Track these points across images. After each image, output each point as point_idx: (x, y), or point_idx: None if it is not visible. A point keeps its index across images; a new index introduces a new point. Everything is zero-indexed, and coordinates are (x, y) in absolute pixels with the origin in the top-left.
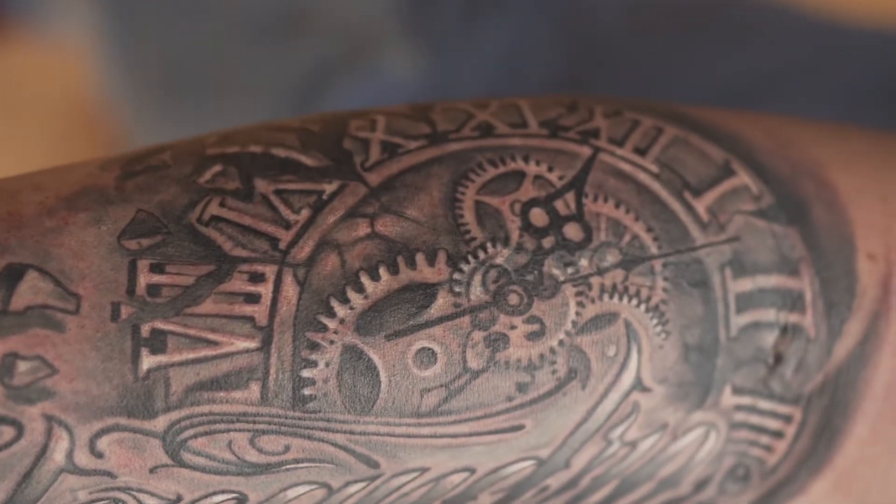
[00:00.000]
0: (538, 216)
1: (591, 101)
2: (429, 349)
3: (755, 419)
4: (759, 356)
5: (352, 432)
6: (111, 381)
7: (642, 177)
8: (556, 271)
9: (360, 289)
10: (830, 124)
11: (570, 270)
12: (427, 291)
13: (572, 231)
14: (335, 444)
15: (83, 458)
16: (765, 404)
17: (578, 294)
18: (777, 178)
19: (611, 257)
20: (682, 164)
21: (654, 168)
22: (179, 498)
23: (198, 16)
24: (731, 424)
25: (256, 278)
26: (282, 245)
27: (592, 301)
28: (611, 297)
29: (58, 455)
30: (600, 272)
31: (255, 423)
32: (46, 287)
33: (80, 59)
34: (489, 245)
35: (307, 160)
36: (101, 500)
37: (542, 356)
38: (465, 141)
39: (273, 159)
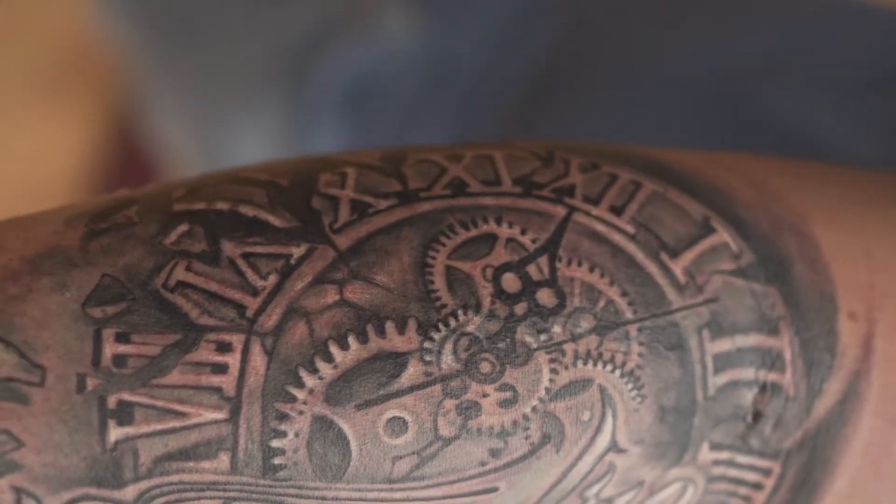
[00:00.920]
0: (510, 282)
1: (567, 153)
2: (400, 418)
3: (733, 472)
4: (738, 413)
5: (323, 498)
6: (79, 453)
7: (617, 238)
8: (528, 338)
9: (328, 358)
10: (812, 167)
11: (543, 337)
12: (397, 361)
13: (545, 297)
14: None
15: None
16: (743, 459)
17: (552, 361)
18: (758, 235)
19: (585, 323)
20: (660, 223)
21: (629, 229)
22: None
23: None
24: (709, 478)
25: (224, 348)
26: (249, 313)
27: (566, 367)
28: (585, 363)
29: None
30: (574, 339)
31: (225, 490)
32: (10, 359)
33: None
34: (460, 312)
35: (275, 220)
36: None
37: (515, 422)
38: (436, 200)
39: (240, 218)
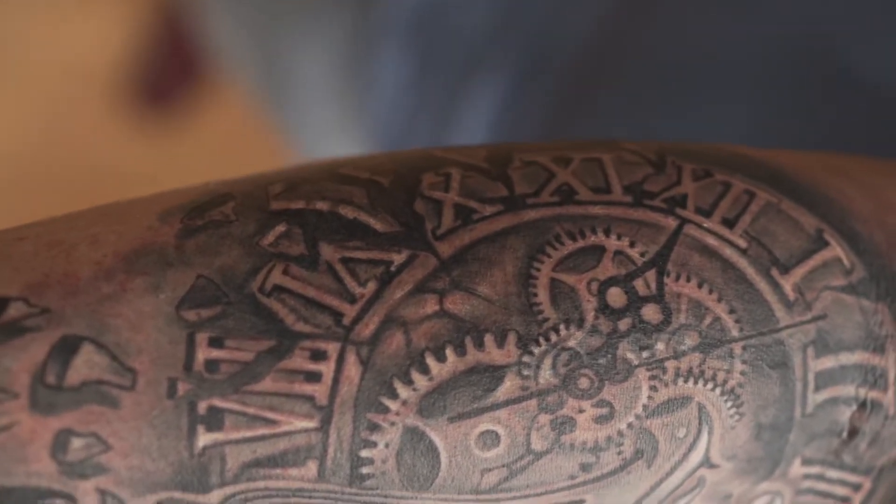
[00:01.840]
0: (616, 296)
1: (679, 158)
2: (493, 431)
3: (822, 486)
4: (834, 429)
5: None
6: (166, 458)
7: (728, 252)
8: (630, 355)
9: (424, 370)
10: None
11: (645, 354)
12: (494, 374)
13: (651, 313)
14: None
15: None
16: (834, 474)
17: (652, 378)
18: (871, 251)
19: (689, 341)
20: (772, 237)
21: (741, 243)
22: None
23: None
24: (797, 491)
25: (318, 356)
26: (346, 321)
27: (666, 385)
28: (686, 381)
29: None
30: (677, 356)
31: (311, 497)
32: (102, 361)
33: None
34: (562, 327)
35: (376, 223)
36: None
37: (609, 438)
38: (543, 208)
39: (340, 220)
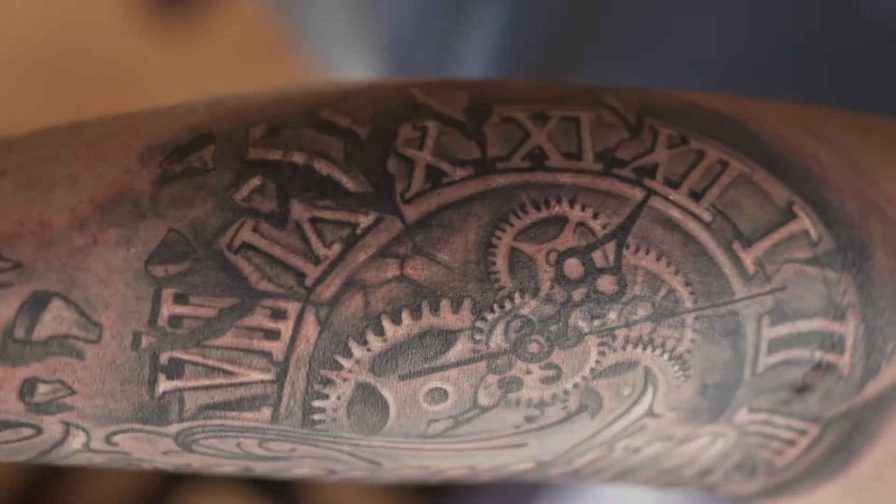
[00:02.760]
0: (573, 267)
1: (657, 121)
2: (441, 389)
3: (768, 429)
4: (785, 385)
5: (357, 445)
6: (128, 399)
7: (692, 226)
8: (581, 323)
9: (380, 332)
10: None
11: (596, 323)
12: (447, 338)
13: (606, 284)
14: (340, 451)
15: (98, 446)
16: (781, 420)
17: (601, 345)
18: (841, 222)
19: (642, 311)
20: (739, 210)
21: (706, 216)
22: (189, 466)
23: None
24: (742, 433)
25: (278, 315)
26: (308, 282)
27: (615, 350)
28: (635, 347)
29: (74, 445)
30: (628, 325)
31: (264, 434)
32: (70, 317)
33: None
34: (517, 295)
35: (347, 182)
36: (117, 462)
37: (554, 395)
38: (512, 174)
39: (313, 177)
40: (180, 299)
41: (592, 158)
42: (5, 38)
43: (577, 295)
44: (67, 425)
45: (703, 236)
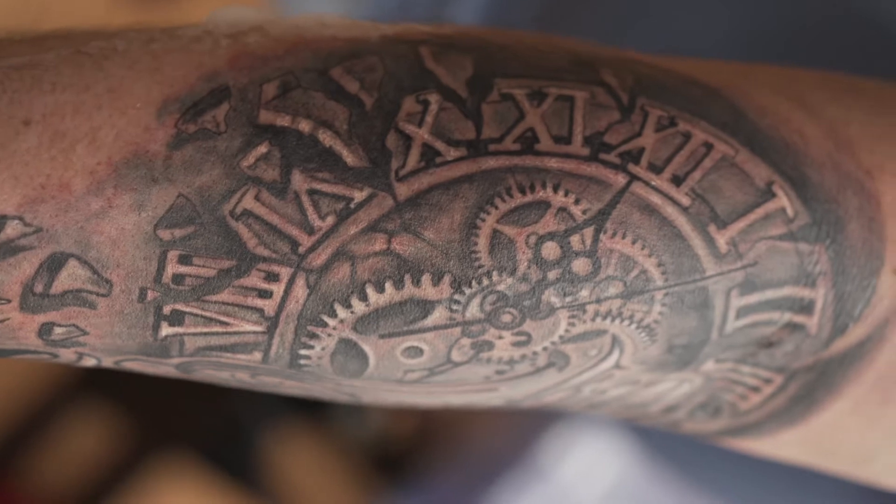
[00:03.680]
0: (551, 249)
1: (649, 101)
2: (417, 347)
3: (734, 376)
4: (752, 342)
5: (339, 384)
6: (134, 340)
7: (670, 210)
8: (554, 299)
9: (363, 298)
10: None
11: (568, 299)
12: (426, 306)
13: (580, 265)
14: (324, 387)
15: (108, 367)
16: (746, 369)
17: (572, 317)
18: (818, 197)
19: (613, 289)
20: (718, 193)
21: (685, 201)
22: (190, 378)
23: None
24: (708, 379)
25: (271, 277)
26: (301, 250)
27: (584, 322)
28: (604, 319)
29: (87, 364)
30: (598, 301)
31: (255, 370)
32: (84, 274)
33: None
34: (495, 273)
35: (347, 156)
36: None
37: (523, 356)
38: (502, 157)
39: (316, 147)
40: (184, 260)
41: (581, 142)
42: None
43: (552, 275)
44: (80, 354)
45: (680, 220)
